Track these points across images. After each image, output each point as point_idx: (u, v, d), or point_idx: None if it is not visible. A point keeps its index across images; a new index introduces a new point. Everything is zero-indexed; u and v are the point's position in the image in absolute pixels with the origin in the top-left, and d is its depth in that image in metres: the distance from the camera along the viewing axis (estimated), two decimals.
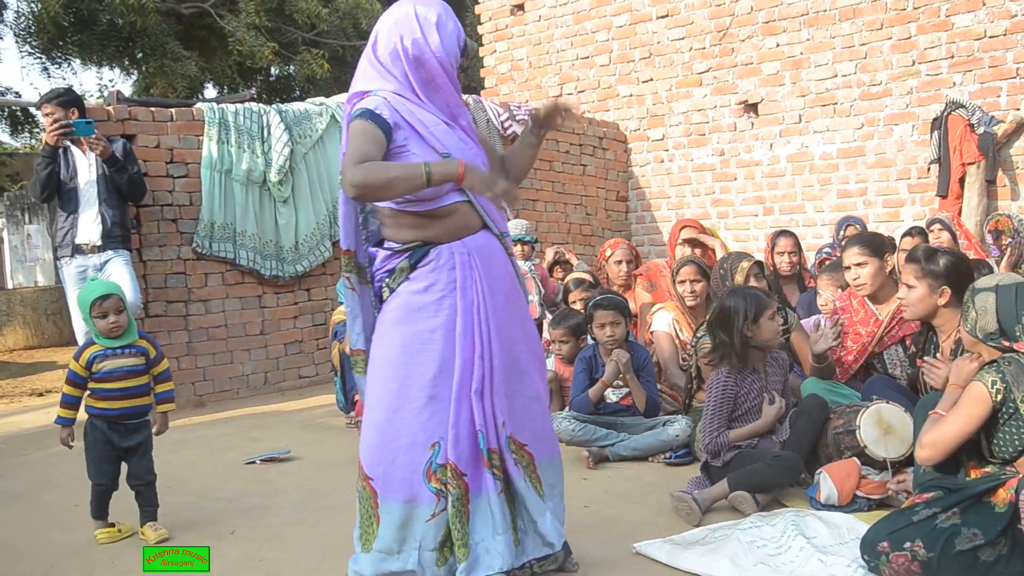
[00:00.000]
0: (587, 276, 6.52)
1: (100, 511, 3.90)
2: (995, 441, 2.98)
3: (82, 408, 3.86)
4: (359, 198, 2.89)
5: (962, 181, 8.11)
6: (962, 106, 8.10)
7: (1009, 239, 6.52)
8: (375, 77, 3.03)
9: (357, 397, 5.68)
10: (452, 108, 3.08)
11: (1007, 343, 3.02)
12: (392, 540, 2.97)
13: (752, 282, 5.21)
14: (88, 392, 3.81)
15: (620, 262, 6.53)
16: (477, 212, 3.07)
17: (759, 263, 5.27)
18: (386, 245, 3.08)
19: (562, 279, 6.77)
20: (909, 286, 3.98)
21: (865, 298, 4.82)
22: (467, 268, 3.00)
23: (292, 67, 15.12)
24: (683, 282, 5.48)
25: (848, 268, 4.77)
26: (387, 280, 3.04)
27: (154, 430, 3.95)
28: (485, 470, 2.98)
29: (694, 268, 5.48)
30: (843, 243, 5.88)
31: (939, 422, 3.04)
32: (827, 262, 5.93)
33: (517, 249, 6.23)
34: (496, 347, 3.01)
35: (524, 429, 3.09)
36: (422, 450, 2.95)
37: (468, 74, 2.82)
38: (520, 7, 11.15)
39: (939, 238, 6.32)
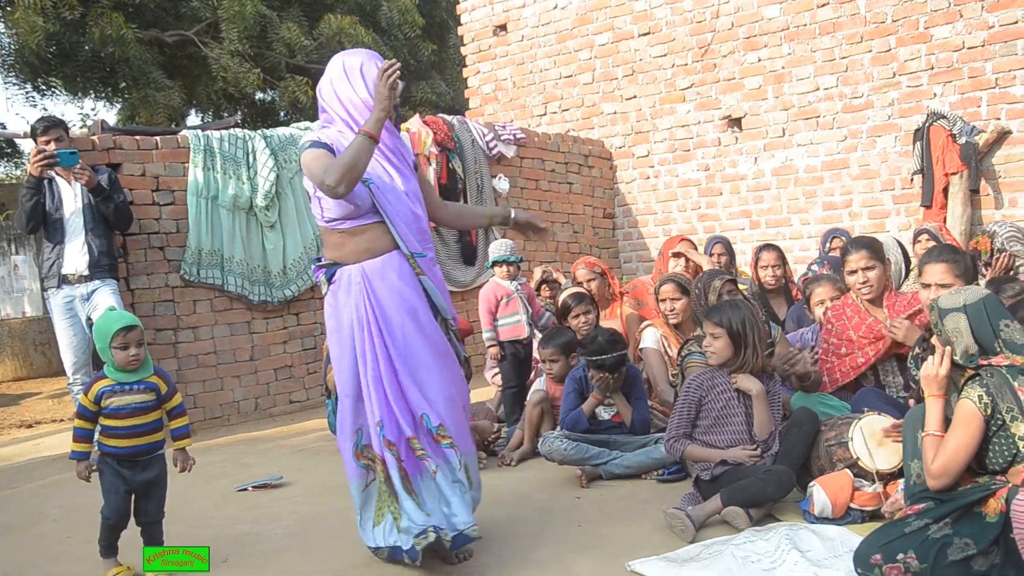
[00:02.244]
0: (583, 291, 6.50)
1: (110, 548, 3.76)
2: (987, 453, 2.98)
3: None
4: (347, 189, 3.32)
5: (946, 191, 8.16)
6: (943, 117, 8.16)
7: (989, 256, 6.51)
8: (323, 124, 3.63)
9: None
10: (385, 140, 3.57)
11: (984, 361, 3.02)
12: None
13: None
14: (99, 428, 3.70)
15: (591, 280, 6.53)
16: (390, 233, 3.54)
17: (731, 280, 5.24)
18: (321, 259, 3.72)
19: (549, 298, 6.75)
20: (944, 285, 3.86)
21: (860, 304, 4.80)
22: (359, 289, 3.51)
23: (275, 93, 15.13)
24: (663, 300, 5.55)
25: (854, 272, 4.73)
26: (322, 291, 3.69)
27: (177, 468, 3.86)
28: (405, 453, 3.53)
29: (672, 286, 5.53)
30: (842, 249, 5.74)
31: (941, 448, 3.01)
32: (808, 280, 5.90)
33: (503, 270, 6.23)
34: (397, 354, 3.50)
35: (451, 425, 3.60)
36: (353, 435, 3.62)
37: (398, 111, 3.35)
38: (503, 27, 11.20)
39: (927, 248, 6.31)
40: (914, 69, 8.50)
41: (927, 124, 8.25)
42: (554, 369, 5.44)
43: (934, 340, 3.25)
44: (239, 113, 15.82)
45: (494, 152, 9.03)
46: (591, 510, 4.26)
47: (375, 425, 3.49)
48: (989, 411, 2.93)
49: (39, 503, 5.16)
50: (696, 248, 6.86)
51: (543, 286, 6.87)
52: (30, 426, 8.13)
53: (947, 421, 3.06)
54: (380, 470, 3.50)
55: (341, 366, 3.59)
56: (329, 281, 3.59)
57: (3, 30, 13.38)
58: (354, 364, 3.54)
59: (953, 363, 3.11)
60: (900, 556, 2.90)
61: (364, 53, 3.66)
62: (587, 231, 10.27)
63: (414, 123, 8.51)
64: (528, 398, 5.61)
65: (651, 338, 5.61)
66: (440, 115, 8.94)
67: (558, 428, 5.07)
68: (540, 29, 10.90)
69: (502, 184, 9.09)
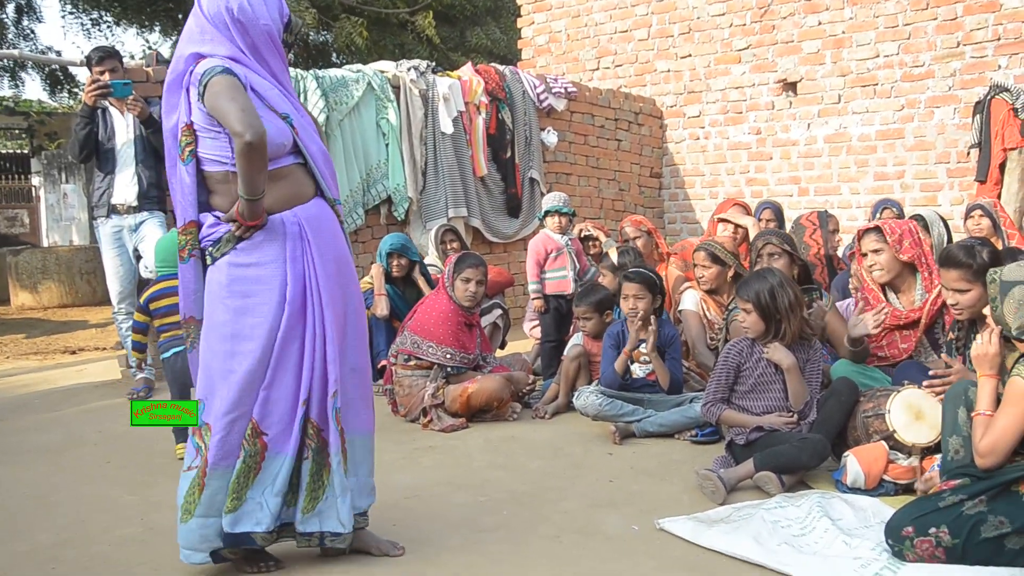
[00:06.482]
0: (631, 246, 6.49)
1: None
2: None
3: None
4: (252, 150, 2.74)
5: (1002, 167, 7.98)
6: (1006, 90, 7.95)
7: None
8: (205, 41, 2.95)
9: (383, 363, 5.71)
10: (279, 76, 3.07)
11: None
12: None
13: (768, 263, 5.13)
14: None
15: (637, 238, 6.56)
16: (313, 176, 3.06)
17: (771, 243, 5.18)
18: (214, 212, 2.99)
19: (588, 254, 6.71)
20: (960, 291, 3.82)
21: (875, 289, 4.75)
22: (297, 240, 2.97)
23: (330, 34, 15.09)
24: (696, 266, 5.52)
25: (864, 255, 4.70)
26: (211, 248, 2.97)
27: None
28: (294, 434, 2.97)
29: (703, 254, 5.48)
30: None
31: (990, 426, 2.95)
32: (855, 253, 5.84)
33: (555, 221, 6.18)
34: (328, 317, 2.99)
35: (343, 400, 3.07)
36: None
37: (294, 52, 2.84)
38: None
39: (980, 224, 6.21)
40: (980, 39, 8.29)
41: (988, 97, 8.04)
42: (588, 327, 5.44)
43: (987, 319, 3.20)
44: (291, 53, 15.82)
45: (544, 105, 8.96)
46: (623, 467, 4.27)
47: (302, 403, 2.98)
48: None
49: (80, 427, 5.26)
50: (749, 212, 6.74)
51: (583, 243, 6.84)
52: (74, 352, 8.28)
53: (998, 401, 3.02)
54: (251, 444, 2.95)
55: (258, 332, 2.93)
56: (242, 236, 2.92)
57: None
58: (277, 328, 2.94)
59: (1002, 340, 3.06)
60: (932, 530, 2.89)
61: None
62: (633, 189, 10.20)
63: (466, 71, 8.45)
64: (565, 352, 5.62)
65: (690, 300, 5.58)
66: (492, 64, 8.88)
67: (594, 383, 5.07)
68: None
69: (551, 138, 9.04)
